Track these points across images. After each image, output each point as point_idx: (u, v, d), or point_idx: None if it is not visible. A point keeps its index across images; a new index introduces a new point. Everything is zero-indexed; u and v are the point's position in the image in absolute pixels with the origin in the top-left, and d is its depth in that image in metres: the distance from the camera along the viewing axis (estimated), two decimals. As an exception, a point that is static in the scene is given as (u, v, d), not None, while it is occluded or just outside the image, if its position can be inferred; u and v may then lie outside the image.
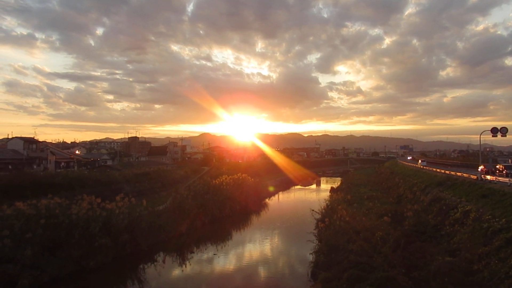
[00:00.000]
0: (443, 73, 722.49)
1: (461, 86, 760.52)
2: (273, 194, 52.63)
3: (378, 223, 20.15)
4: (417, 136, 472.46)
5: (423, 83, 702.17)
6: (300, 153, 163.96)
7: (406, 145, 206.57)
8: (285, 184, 65.89)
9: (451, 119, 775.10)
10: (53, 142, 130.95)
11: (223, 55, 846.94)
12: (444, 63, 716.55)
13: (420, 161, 60.32)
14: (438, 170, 40.30)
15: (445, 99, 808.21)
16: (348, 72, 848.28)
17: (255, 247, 24.99)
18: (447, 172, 35.57)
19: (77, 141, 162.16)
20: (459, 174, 31.83)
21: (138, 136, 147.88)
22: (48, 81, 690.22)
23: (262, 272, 19.62)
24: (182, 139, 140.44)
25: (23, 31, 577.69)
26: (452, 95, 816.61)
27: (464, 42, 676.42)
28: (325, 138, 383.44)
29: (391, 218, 21.38)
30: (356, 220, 20.81)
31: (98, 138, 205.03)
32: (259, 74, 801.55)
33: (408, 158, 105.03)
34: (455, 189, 25.06)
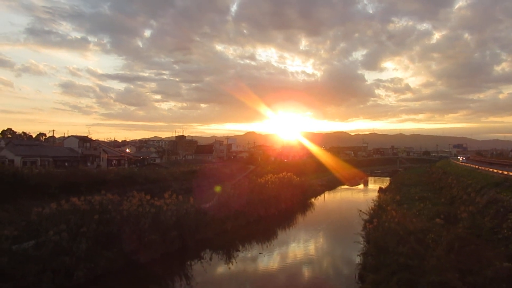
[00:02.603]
0: (498, 68, 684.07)
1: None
2: (319, 193, 51.87)
3: (430, 224, 19.37)
4: (472, 135, 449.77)
5: (476, 78, 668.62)
6: (347, 152, 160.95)
7: (459, 144, 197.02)
8: (332, 183, 64.76)
9: (508, 116, 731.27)
10: (105, 140, 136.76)
11: (267, 54, 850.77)
12: (499, 58, 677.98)
13: (460, 158, 57.66)
14: (495, 170, 38.09)
15: (500, 96, 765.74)
16: (395, 68, 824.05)
17: (300, 247, 24.80)
18: (505, 172, 33.51)
19: (127, 140, 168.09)
20: (519, 174, 29.86)
21: (185, 134, 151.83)
22: (100, 82, 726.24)
23: (307, 272, 19.41)
24: (227, 137, 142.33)
25: (77, 35, 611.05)
26: (509, 91, 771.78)
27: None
28: (373, 136, 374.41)
29: (444, 220, 20.45)
30: (407, 221, 20.11)
31: (147, 137, 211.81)
32: (303, 72, 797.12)
33: (460, 158, 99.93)
34: (515, 191, 23.55)
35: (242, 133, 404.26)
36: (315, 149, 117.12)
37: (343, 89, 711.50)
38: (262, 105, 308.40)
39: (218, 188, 32.70)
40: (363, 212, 27.10)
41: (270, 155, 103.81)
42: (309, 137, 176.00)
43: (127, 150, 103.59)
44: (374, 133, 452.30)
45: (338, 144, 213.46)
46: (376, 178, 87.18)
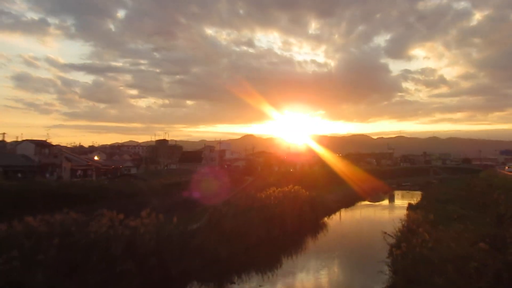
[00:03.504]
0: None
1: None
2: (333, 211, 51.80)
3: (472, 250, 19.32)
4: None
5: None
6: (368, 160, 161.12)
7: (508, 150, 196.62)
8: (349, 198, 64.70)
9: None
10: (69, 146, 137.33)
11: (268, 39, 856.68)
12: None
13: (507, 167, 57.90)
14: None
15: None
16: (427, 57, 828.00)
17: (309, 279, 24.67)
18: None
19: (96, 145, 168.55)
20: None
21: (167, 138, 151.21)
22: (63, 74, 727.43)
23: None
24: (220, 142, 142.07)
25: (34, 16, 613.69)
26: None
27: None
28: (400, 140, 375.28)
29: (490, 245, 20.40)
30: (443, 247, 20.06)
31: (120, 141, 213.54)
32: (313, 61, 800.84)
33: (506, 167, 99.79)
34: None
35: (238, 136, 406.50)
36: (328, 156, 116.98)
37: (362, 82, 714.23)
38: (263, 102, 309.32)
39: (208, 205, 32.60)
40: (389, 235, 26.97)
41: (273, 164, 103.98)
42: (321, 141, 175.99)
43: (96, 158, 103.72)
44: (402, 136, 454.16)
45: (357, 150, 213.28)
46: (404, 192, 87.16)
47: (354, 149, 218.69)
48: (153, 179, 50.85)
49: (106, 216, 22.28)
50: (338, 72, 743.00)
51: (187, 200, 41.65)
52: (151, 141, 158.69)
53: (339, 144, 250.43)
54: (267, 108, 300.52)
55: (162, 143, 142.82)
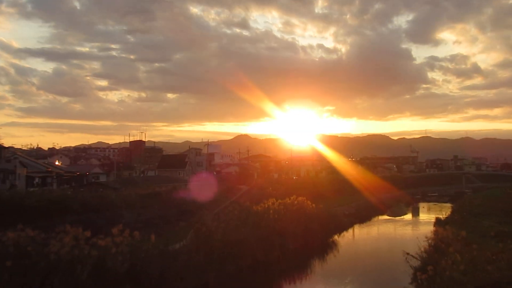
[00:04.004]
0: None
1: None
2: (345, 227, 51.83)
3: (512, 274, 19.43)
4: None
5: None
6: (387, 165, 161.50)
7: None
8: (364, 212, 64.79)
9: None
10: (24, 148, 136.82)
11: (266, 19, 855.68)
12: None
13: None
14: None
15: None
16: (457, 41, 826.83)
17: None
18: None
19: (58, 147, 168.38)
20: None
21: (143, 139, 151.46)
22: (17, 61, 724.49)
23: None
24: (208, 144, 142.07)
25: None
26: None
27: None
28: (426, 142, 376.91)
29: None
30: (478, 270, 20.13)
31: (87, 143, 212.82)
32: (320, 46, 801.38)
33: None
34: None
35: (230, 137, 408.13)
36: (339, 161, 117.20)
37: (379, 71, 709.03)
38: (260, 95, 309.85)
39: (194, 220, 32.54)
40: (412, 256, 27.08)
41: (272, 170, 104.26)
42: (330, 143, 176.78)
43: (57, 163, 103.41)
44: (428, 137, 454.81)
45: (374, 154, 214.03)
46: (430, 204, 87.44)
47: (370, 153, 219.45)
48: (127, 189, 50.64)
49: (69, 234, 22.03)
50: (350, 59, 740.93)
51: (168, 214, 41.63)
52: (125, 142, 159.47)
53: (352, 147, 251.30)
54: (265, 103, 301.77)
55: (137, 145, 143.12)
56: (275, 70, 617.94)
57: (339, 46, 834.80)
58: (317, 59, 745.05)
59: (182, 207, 45.00)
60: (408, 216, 68.77)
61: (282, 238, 36.93)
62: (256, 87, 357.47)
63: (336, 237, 46.58)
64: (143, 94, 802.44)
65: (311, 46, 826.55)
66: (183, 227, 37.29)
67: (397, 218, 66.28)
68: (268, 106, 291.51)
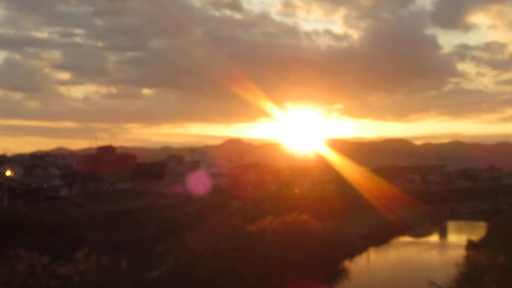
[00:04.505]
0: None
1: None
2: (358, 251, 51.72)
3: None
4: None
5: None
6: (408, 176, 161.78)
7: None
8: (381, 233, 64.59)
9: None
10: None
11: (262, 0, 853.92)
12: None
13: None
14: None
15: None
16: (492, 26, 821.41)
17: None
18: None
19: (9, 154, 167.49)
20: None
21: (114, 144, 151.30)
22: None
23: None
24: (192, 150, 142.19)
25: None
26: None
27: None
28: (455, 147, 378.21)
29: None
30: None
31: (45, 148, 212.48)
32: (327, 32, 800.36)
33: None
34: None
35: (219, 141, 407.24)
36: (350, 170, 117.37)
37: (399, 62, 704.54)
38: (255, 92, 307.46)
39: (175, 243, 32.58)
40: (439, 286, 27.13)
41: (269, 182, 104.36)
42: (340, 148, 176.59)
43: (8, 173, 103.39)
44: (458, 141, 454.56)
45: (393, 162, 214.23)
46: (461, 222, 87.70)
47: (389, 161, 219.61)
48: (94, 205, 50.81)
49: (23, 259, 22.04)
50: (363, 47, 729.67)
51: (143, 236, 41.57)
52: (91, 148, 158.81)
53: (366, 153, 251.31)
54: (261, 101, 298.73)
55: (106, 151, 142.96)
56: (273, 61, 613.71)
57: (350, 32, 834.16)
58: (323, 48, 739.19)
59: (161, 227, 45.05)
60: (434, 238, 69.16)
61: (281, 264, 36.82)
62: (250, 82, 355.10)
63: (347, 262, 46.61)
64: (113, 90, 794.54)
65: (316, 32, 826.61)
66: (162, 251, 37.34)
67: (421, 240, 66.47)
68: (265, 105, 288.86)
